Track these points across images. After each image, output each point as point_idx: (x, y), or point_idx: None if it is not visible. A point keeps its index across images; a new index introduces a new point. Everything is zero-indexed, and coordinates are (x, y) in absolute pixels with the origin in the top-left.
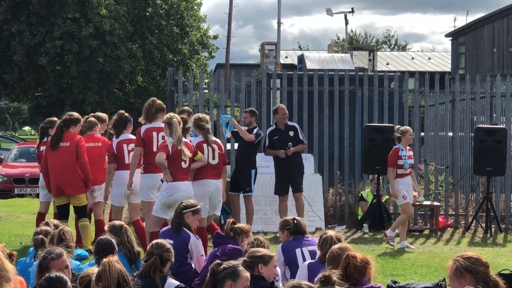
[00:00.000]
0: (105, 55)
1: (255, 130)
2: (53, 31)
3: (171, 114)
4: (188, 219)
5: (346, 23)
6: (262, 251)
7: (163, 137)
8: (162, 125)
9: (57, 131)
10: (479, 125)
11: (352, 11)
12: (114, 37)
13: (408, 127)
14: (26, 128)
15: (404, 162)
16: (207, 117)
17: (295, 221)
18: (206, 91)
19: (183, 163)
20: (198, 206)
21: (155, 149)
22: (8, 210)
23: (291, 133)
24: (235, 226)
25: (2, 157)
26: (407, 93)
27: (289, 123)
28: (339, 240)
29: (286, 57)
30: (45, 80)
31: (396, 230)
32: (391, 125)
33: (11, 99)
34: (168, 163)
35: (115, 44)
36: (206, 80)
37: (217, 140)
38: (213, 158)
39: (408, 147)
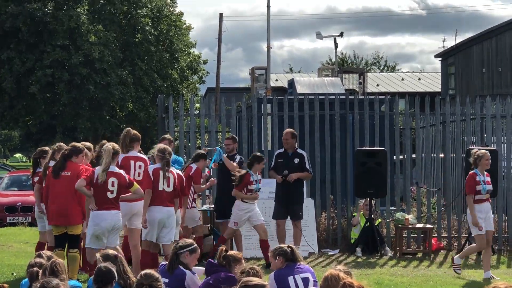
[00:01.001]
0: (95, 82)
1: (237, 158)
2: (43, 59)
3: (105, 143)
4: (186, 259)
5: (336, 46)
6: (255, 280)
7: (139, 166)
8: (138, 154)
9: (60, 160)
10: (470, 147)
11: (341, 35)
12: (103, 64)
13: (484, 151)
14: (18, 155)
15: (483, 188)
16: (170, 149)
17: (290, 249)
18: (198, 117)
19: (109, 193)
20: (195, 245)
21: (132, 178)
22: (0, 239)
23: (296, 160)
24: (228, 254)
25: None
26: (398, 116)
27: (299, 150)
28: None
29: (277, 80)
30: (36, 107)
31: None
32: (383, 148)
33: (1, 127)
34: (93, 191)
35: (105, 71)
36: (197, 105)
37: (175, 170)
38: (168, 186)
39: (485, 172)
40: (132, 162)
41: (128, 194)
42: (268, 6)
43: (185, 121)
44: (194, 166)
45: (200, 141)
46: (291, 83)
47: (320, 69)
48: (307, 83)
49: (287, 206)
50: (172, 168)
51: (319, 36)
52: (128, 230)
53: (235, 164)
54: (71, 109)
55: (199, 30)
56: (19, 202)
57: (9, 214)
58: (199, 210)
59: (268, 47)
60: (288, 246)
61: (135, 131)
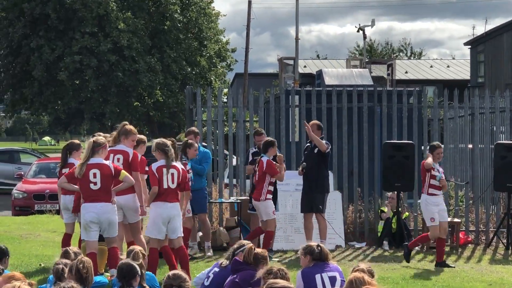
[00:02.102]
0: (123, 69)
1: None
2: (72, 46)
3: (95, 136)
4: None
5: (364, 37)
6: (281, 282)
7: (117, 159)
8: (122, 147)
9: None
10: (498, 141)
11: (372, 25)
12: (132, 51)
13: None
14: (46, 138)
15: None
16: (169, 142)
17: (319, 248)
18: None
19: (92, 184)
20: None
21: (118, 166)
22: (28, 228)
23: (316, 150)
24: (256, 252)
25: (22, 173)
26: (426, 109)
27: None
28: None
29: (305, 66)
30: (64, 94)
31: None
32: (411, 142)
33: (31, 113)
34: (79, 185)
35: (133, 58)
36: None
37: (177, 165)
38: (172, 182)
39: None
40: (111, 155)
41: (120, 184)
42: None
43: (213, 111)
44: (265, 159)
45: (227, 129)
46: (319, 74)
47: (348, 60)
48: (335, 74)
49: (309, 198)
50: (175, 163)
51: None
52: (123, 226)
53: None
54: (99, 95)
55: (227, 15)
56: (47, 190)
57: (37, 201)
58: (226, 201)
59: (296, 38)
60: (318, 246)
61: (128, 127)
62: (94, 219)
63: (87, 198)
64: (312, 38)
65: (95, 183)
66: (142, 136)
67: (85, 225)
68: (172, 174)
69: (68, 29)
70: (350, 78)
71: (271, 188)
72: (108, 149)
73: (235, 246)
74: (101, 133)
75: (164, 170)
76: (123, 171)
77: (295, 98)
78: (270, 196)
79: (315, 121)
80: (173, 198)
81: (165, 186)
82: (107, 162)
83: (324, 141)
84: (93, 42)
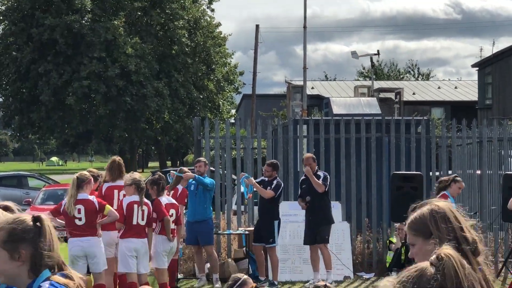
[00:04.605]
0: (131, 94)
1: (274, 182)
2: (80, 71)
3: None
4: None
5: (372, 65)
6: None
7: (124, 195)
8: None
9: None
10: (507, 172)
11: (378, 53)
12: (140, 76)
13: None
14: (54, 158)
15: None
16: (142, 180)
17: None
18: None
19: (77, 220)
20: (243, 278)
21: (114, 207)
22: None
23: None
24: None
25: (30, 199)
26: (434, 139)
27: (318, 172)
28: None
29: (312, 88)
30: (71, 118)
31: None
32: (419, 173)
33: (38, 137)
34: (64, 220)
35: (141, 83)
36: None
37: (148, 202)
38: (142, 219)
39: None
40: (116, 191)
41: (105, 218)
42: (305, 27)
43: (221, 140)
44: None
45: (235, 152)
46: (327, 102)
47: (356, 88)
48: (343, 103)
49: (314, 230)
50: (145, 200)
51: (355, 55)
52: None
53: (268, 190)
54: (107, 120)
55: (232, 34)
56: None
57: None
58: (234, 233)
59: (304, 68)
60: (325, 285)
61: (120, 161)
62: (80, 253)
63: (71, 233)
64: (318, 57)
65: (80, 219)
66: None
67: (72, 260)
68: (143, 211)
69: (76, 54)
70: (358, 107)
71: None
72: (108, 185)
73: (230, 282)
74: (92, 169)
75: (135, 206)
76: (107, 205)
77: (303, 128)
78: None
79: (309, 154)
80: (141, 234)
81: (134, 222)
82: (91, 197)
83: (321, 180)
84: (101, 67)
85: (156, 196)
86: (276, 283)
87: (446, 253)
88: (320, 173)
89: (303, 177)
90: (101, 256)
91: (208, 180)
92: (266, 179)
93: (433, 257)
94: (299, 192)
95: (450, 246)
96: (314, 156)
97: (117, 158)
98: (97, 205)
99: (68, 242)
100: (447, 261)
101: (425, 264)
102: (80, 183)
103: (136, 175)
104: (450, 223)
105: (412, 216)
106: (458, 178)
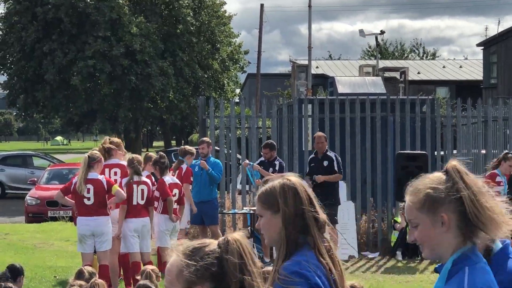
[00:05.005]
0: (136, 73)
1: (277, 163)
2: (85, 50)
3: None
4: None
5: (377, 44)
6: None
7: (115, 173)
8: (116, 161)
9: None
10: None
11: (382, 33)
12: (145, 55)
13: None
14: (59, 138)
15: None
16: (140, 157)
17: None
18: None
19: (85, 199)
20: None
21: (111, 180)
22: (42, 236)
23: (325, 163)
24: None
25: (35, 179)
26: (439, 119)
27: (328, 152)
28: None
29: (317, 67)
30: (76, 98)
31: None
32: (424, 152)
33: (42, 116)
34: (74, 199)
35: (146, 62)
36: (238, 90)
37: (147, 180)
38: (142, 199)
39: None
40: (107, 170)
41: (112, 198)
42: (310, 6)
43: (226, 120)
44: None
45: (240, 131)
46: (332, 81)
47: (361, 67)
48: (348, 82)
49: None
50: (144, 179)
51: (362, 34)
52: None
53: (270, 172)
54: (112, 99)
55: (237, 14)
56: None
57: (50, 208)
58: (239, 212)
59: (309, 48)
60: None
61: (112, 140)
62: (88, 232)
63: (80, 212)
64: (322, 36)
65: (88, 198)
66: (190, 148)
67: (80, 238)
68: (142, 191)
69: (81, 33)
70: (363, 86)
71: None
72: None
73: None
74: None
75: (134, 186)
76: (115, 185)
77: (308, 107)
78: None
79: (321, 133)
80: (143, 213)
81: (134, 203)
82: (100, 177)
83: (336, 167)
84: (105, 47)
85: (160, 176)
86: None
87: (234, 237)
88: (330, 154)
89: (312, 156)
90: (108, 235)
91: (216, 169)
92: (266, 160)
93: (221, 239)
94: (307, 170)
95: (241, 233)
96: (325, 135)
97: (106, 141)
98: (105, 184)
99: (77, 221)
100: (232, 245)
101: (214, 242)
102: (91, 162)
103: (133, 156)
104: (300, 199)
105: (263, 188)
106: (510, 155)
